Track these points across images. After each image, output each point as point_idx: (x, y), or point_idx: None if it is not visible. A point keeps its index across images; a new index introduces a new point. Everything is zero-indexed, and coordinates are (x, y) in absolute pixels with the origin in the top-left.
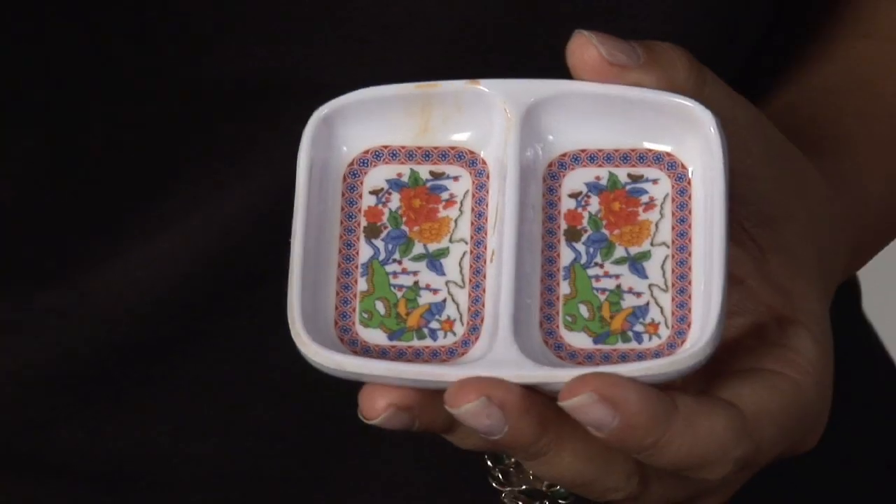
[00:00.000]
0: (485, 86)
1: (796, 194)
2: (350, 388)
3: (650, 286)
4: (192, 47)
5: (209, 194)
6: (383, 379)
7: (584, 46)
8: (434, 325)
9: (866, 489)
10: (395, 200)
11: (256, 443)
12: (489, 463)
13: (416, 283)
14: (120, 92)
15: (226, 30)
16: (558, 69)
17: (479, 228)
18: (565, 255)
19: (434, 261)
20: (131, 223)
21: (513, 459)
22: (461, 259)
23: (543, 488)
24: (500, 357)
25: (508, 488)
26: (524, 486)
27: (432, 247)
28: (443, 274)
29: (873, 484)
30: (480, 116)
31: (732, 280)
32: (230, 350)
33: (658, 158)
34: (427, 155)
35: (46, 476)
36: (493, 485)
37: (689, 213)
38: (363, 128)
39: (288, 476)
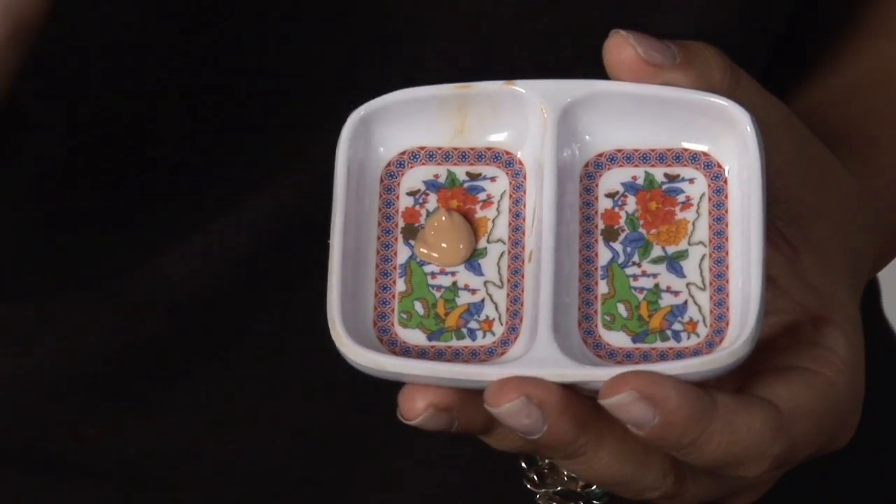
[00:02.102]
0: (521, 86)
1: (827, 193)
2: (375, 388)
3: (688, 285)
4: (224, 49)
5: (239, 195)
6: (423, 379)
7: (621, 46)
8: (473, 325)
9: (886, 488)
10: (432, 201)
11: (283, 442)
12: (523, 465)
13: (454, 283)
14: (152, 92)
15: (259, 30)
16: (590, 67)
17: (516, 229)
18: (603, 255)
19: (472, 261)
20: (160, 223)
21: (547, 461)
22: (499, 259)
23: (578, 489)
24: (540, 356)
25: (543, 490)
26: (559, 488)
27: None
28: (481, 274)
29: (892, 483)
30: (516, 117)
31: (767, 281)
32: (257, 349)
33: (694, 158)
34: (464, 156)
35: (72, 475)
36: (528, 486)
37: (726, 212)
38: (400, 129)
39: (313, 475)
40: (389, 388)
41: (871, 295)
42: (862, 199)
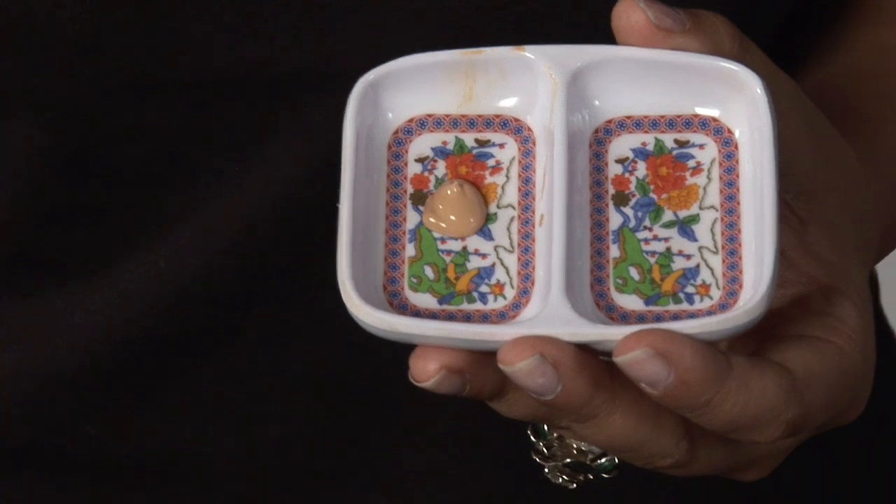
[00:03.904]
0: (530, 52)
1: (834, 167)
2: (376, 379)
3: (700, 248)
4: (210, 36)
5: (230, 185)
6: (435, 340)
7: (631, 10)
8: (484, 289)
9: (886, 483)
10: (440, 168)
11: (283, 435)
12: (532, 437)
13: (464, 248)
14: (139, 82)
15: (245, 18)
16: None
17: (526, 194)
18: (614, 220)
19: (482, 227)
20: (152, 216)
21: (556, 434)
22: (509, 224)
23: (587, 462)
24: (554, 316)
25: (552, 463)
26: (568, 460)
27: None
28: (491, 239)
29: (886, 478)
30: (525, 83)
31: None
32: (255, 342)
33: (704, 124)
34: (472, 123)
35: (74, 472)
36: (537, 459)
37: (737, 177)
38: (408, 95)
39: (314, 468)
40: (389, 380)
41: (871, 292)
42: (866, 176)
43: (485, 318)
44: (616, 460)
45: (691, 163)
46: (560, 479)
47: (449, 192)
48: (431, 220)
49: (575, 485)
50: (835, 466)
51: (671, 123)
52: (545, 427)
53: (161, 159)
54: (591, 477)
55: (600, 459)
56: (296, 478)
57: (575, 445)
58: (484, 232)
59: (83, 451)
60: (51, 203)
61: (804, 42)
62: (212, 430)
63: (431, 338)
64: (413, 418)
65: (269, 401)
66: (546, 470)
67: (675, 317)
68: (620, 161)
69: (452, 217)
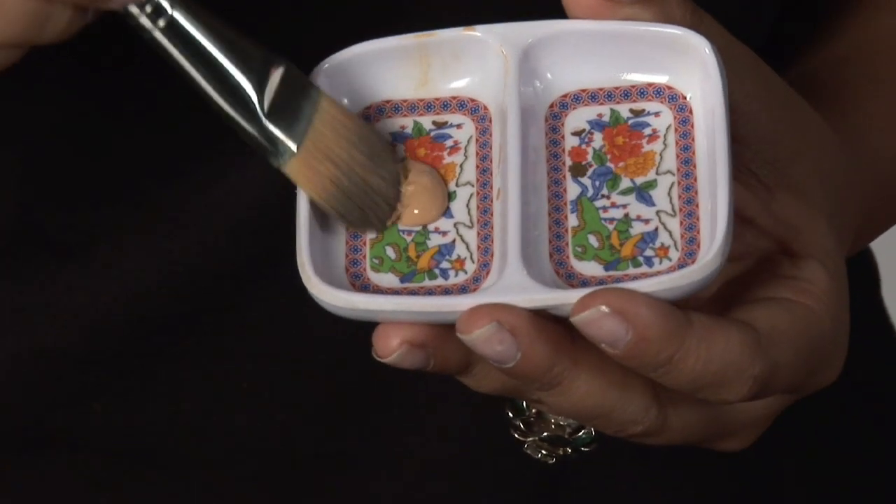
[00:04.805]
0: (480, 31)
1: (800, 135)
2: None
3: (658, 212)
4: None
5: (233, 165)
6: (395, 315)
7: None
8: (445, 265)
9: (886, 475)
10: (399, 151)
11: (288, 417)
12: (510, 414)
13: (424, 227)
14: (141, 68)
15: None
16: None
17: (483, 171)
18: (571, 190)
19: None
20: (155, 196)
21: (534, 410)
22: (468, 201)
23: (565, 435)
24: (510, 284)
25: (531, 438)
26: (545, 434)
27: None
28: (451, 217)
29: (885, 473)
30: (478, 62)
31: (741, 220)
32: (260, 323)
33: (658, 92)
34: (429, 106)
35: (79, 453)
36: (516, 435)
37: (693, 140)
38: (364, 82)
39: (319, 450)
40: (391, 366)
41: (871, 285)
42: (843, 147)
43: (446, 292)
44: (593, 432)
45: (647, 130)
46: (539, 455)
47: (411, 188)
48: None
49: (554, 459)
50: (832, 463)
51: (626, 94)
52: (523, 403)
53: (166, 141)
54: (570, 451)
55: (578, 433)
56: (298, 459)
57: (553, 420)
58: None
59: (89, 432)
60: (55, 184)
61: (804, 25)
62: (216, 410)
63: (391, 312)
64: (416, 404)
65: (274, 382)
66: (525, 445)
67: (636, 280)
68: (577, 133)
69: (416, 211)
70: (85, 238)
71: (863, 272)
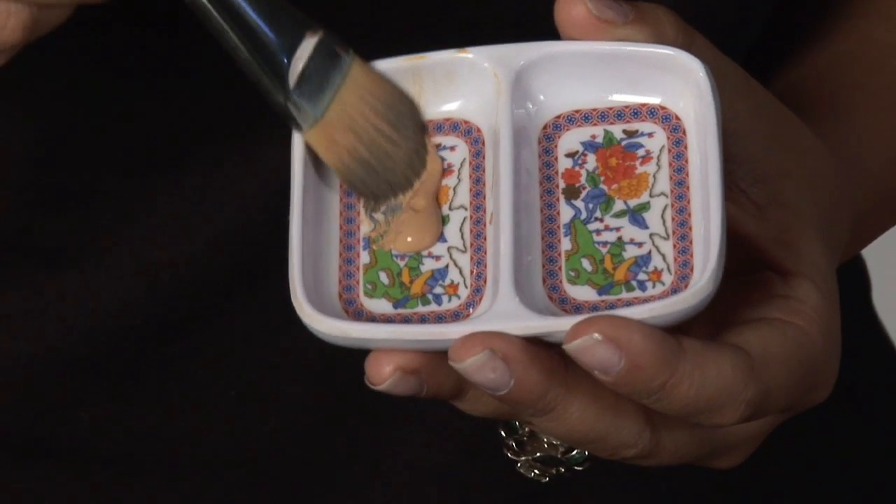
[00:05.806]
0: (473, 53)
1: (790, 152)
2: None
3: (651, 235)
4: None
5: (226, 171)
6: (388, 342)
7: (572, 3)
8: (438, 290)
9: (870, 485)
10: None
11: (277, 424)
12: (503, 433)
13: (417, 252)
14: (136, 69)
15: None
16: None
17: (477, 194)
18: (565, 213)
19: None
20: (145, 201)
21: (527, 429)
22: (461, 225)
23: (559, 455)
24: (503, 311)
25: (523, 458)
26: (538, 454)
27: None
28: (444, 241)
29: (877, 480)
30: (472, 84)
31: (733, 238)
32: (249, 331)
33: (652, 112)
34: None
35: (67, 459)
36: (508, 455)
37: (686, 162)
38: None
39: (308, 458)
40: None
41: (862, 289)
42: (831, 158)
43: (440, 318)
44: (587, 453)
45: (640, 151)
46: (532, 474)
47: (405, 215)
48: (389, 239)
49: (547, 478)
50: (826, 470)
51: (619, 115)
52: (516, 423)
53: (156, 146)
54: (563, 470)
55: (571, 453)
56: (287, 466)
57: (546, 440)
58: None
59: (77, 438)
60: (44, 190)
61: (793, 32)
62: (205, 418)
63: (384, 341)
64: (406, 411)
65: (265, 389)
66: (519, 465)
67: (629, 304)
68: (570, 155)
69: (409, 238)
70: (74, 246)
71: (854, 278)
